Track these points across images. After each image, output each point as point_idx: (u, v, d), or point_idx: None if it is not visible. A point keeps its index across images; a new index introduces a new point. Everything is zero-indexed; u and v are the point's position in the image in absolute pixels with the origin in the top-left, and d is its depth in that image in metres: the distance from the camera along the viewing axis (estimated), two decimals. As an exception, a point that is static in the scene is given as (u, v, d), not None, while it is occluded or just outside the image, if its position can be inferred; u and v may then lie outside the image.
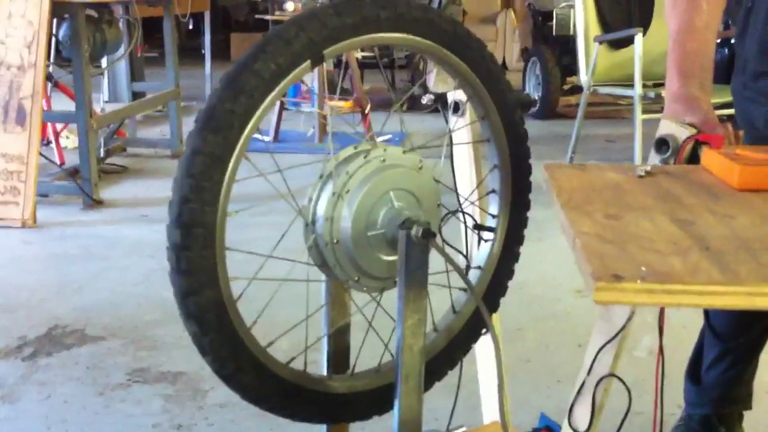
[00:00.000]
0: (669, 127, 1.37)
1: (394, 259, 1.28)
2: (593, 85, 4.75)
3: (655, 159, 1.38)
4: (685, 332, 2.43)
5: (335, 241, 1.26)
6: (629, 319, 1.38)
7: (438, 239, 1.29)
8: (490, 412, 1.74)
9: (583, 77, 4.79)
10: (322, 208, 1.27)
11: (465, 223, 1.66)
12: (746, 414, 1.88)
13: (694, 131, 1.32)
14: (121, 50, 4.86)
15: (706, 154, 1.25)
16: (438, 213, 1.37)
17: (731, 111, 1.73)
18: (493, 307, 1.53)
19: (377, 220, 1.28)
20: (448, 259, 1.25)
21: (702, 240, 0.89)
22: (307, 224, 1.29)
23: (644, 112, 4.25)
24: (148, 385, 2.20)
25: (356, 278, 1.30)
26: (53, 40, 4.25)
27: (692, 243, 0.88)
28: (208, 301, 1.16)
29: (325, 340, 1.40)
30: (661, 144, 1.37)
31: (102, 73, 5.68)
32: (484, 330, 1.51)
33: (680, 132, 1.34)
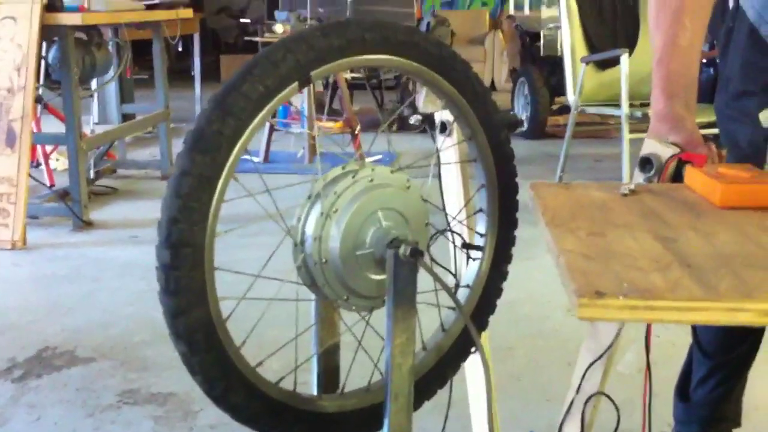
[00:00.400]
0: (653, 146, 1.39)
1: (382, 278, 1.30)
2: (581, 105, 4.79)
3: (639, 178, 1.40)
4: (674, 349, 2.44)
5: (324, 260, 1.27)
6: (617, 337, 1.39)
7: (426, 258, 1.30)
8: (481, 431, 1.75)
9: (571, 97, 4.84)
10: (310, 228, 1.28)
11: (453, 242, 1.68)
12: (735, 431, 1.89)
13: (677, 150, 1.34)
14: (111, 72, 4.88)
15: (689, 173, 1.27)
16: (426, 232, 1.38)
17: (715, 130, 1.75)
18: (482, 325, 1.54)
19: (366, 239, 1.29)
20: (436, 278, 1.27)
21: (684, 257, 0.91)
22: (295, 244, 1.31)
23: (631, 131, 4.29)
24: (139, 407, 2.20)
25: (345, 297, 1.31)
26: (43, 62, 4.26)
27: (674, 260, 0.90)
28: (197, 321, 1.17)
29: (314, 360, 1.40)
30: (645, 163, 1.39)
31: (92, 96, 5.69)
32: (473, 349, 1.52)
33: (664, 151, 1.36)
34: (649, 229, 1.03)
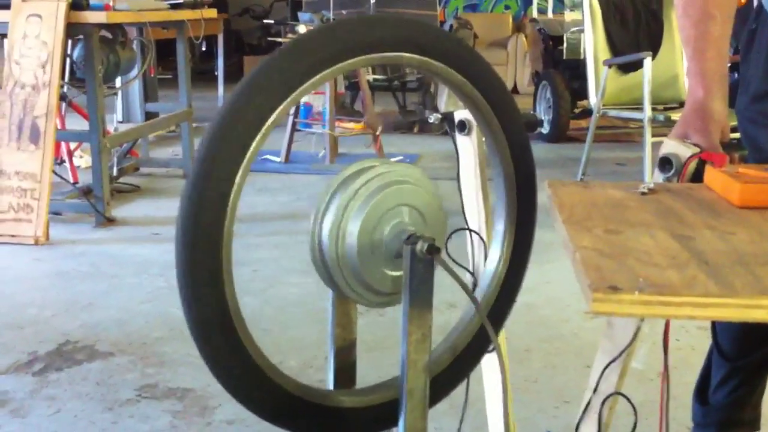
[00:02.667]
0: (672, 146, 1.38)
1: (399, 275, 1.30)
2: (603, 108, 4.77)
3: (659, 178, 1.40)
4: (694, 353, 2.42)
5: (341, 257, 1.27)
6: (634, 337, 1.38)
7: (444, 256, 1.30)
8: (496, 429, 1.74)
9: (593, 100, 4.82)
10: (328, 225, 1.29)
11: (471, 240, 1.68)
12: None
13: (697, 150, 1.34)
14: (135, 71, 4.92)
15: (709, 173, 1.27)
16: (444, 230, 1.38)
17: (736, 134, 1.74)
18: (499, 324, 1.54)
19: (383, 236, 1.29)
20: (453, 275, 1.27)
21: (700, 255, 0.91)
22: (313, 240, 1.31)
23: (654, 135, 4.27)
24: (157, 401, 2.21)
25: (362, 294, 1.32)
26: (67, 60, 4.31)
27: (690, 257, 0.89)
28: (216, 316, 1.18)
29: (331, 356, 1.41)
30: (665, 163, 1.38)
31: (115, 94, 5.74)
32: (490, 347, 1.52)
33: (683, 151, 1.36)
34: (667, 227, 1.03)
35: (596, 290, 0.78)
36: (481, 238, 1.68)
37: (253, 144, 1.20)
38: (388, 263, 1.30)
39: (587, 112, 6.02)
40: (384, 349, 2.27)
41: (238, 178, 1.17)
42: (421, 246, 1.24)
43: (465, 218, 1.72)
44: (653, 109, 4.36)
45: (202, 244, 1.15)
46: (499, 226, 1.54)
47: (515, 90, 9.74)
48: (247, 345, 1.23)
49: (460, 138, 1.70)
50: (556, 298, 3.05)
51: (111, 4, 4.05)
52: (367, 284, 1.30)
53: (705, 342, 1.94)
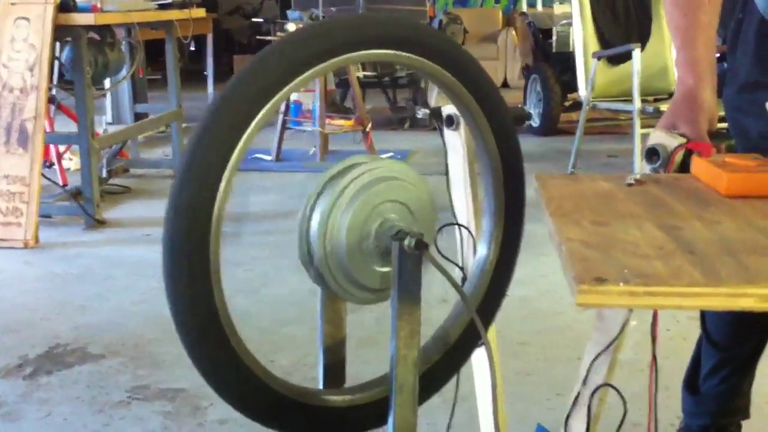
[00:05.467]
0: (659, 137, 1.38)
1: (388, 271, 1.29)
2: (593, 101, 4.77)
3: (646, 169, 1.39)
4: (685, 344, 2.42)
5: (329, 254, 1.27)
6: (623, 329, 1.38)
7: (433, 251, 1.29)
8: (487, 425, 1.74)
9: (583, 92, 4.82)
10: (315, 223, 1.28)
11: (461, 235, 1.67)
12: (744, 424, 1.87)
13: (683, 140, 1.33)
14: (124, 72, 4.90)
15: (696, 163, 1.26)
16: (433, 225, 1.37)
17: (724, 124, 1.73)
18: (489, 319, 1.54)
19: (371, 232, 1.29)
20: (442, 270, 1.26)
21: (687, 245, 0.90)
22: (301, 238, 1.30)
23: (643, 126, 4.27)
24: (148, 403, 2.20)
25: (351, 291, 1.31)
26: (56, 62, 4.29)
27: (677, 247, 0.89)
28: (204, 318, 1.17)
29: (320, 354, 1.40)
30: (652, 154, 1.38)
31: (104, 95, 5.72)
32: (480, 342, 1.51)
33: (670, 141, 1.35)
34: (654, 218, 1.02)
35: (582, 282, 0.77)
36: (470, 233, 1.68)
37: (241, 143, 1.18)
38: (376, 260, 1.30)
39: (578, 105, 6.01)
40: (374, 345, 2.27)
41: (225, 178, 1.17)
42: (409, 242, 1.23)
43: (453, 213, 1.72)
44: (643, 101, 4.37)
45: (189, 246, 1.15)
46: (488, 220, 1.53)
47: (506, 84, 9.74)
48: (237, 347, 1.22)
49: (448, 133, 1.70)
50: (550, 291, 3.05)
51: (98, 5, 4.03)
52: (356, 281, 1.29)
53: (695, 331, 1.94)
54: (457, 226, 1.68)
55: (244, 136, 1.17)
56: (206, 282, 1.16)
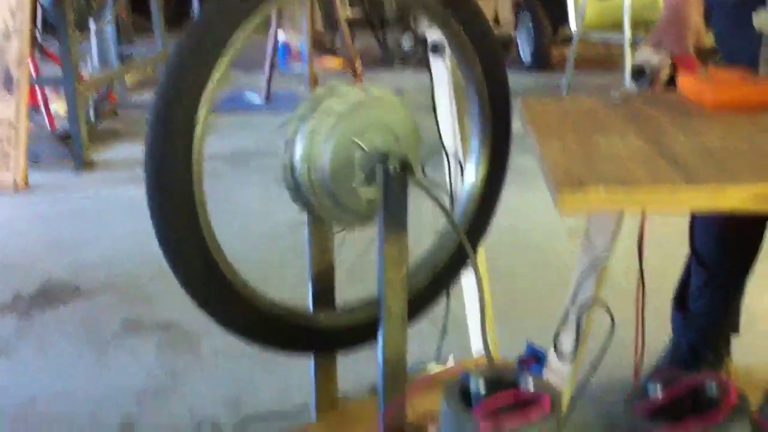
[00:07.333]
0: (645, 54, 1.37)
1: (374, 196, 1.29)
2: (584, 32, 4.73)
3: (633, 88, 1.39)
4: (674, 269, 2.44)
5: (314, 179, 1.27)
6: (611, 246, 1.39)
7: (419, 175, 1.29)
8: (478, 345, 1.76)
9: (572, 24, 4.77)
10: (300, 147, 1.27)
11: (448, 161, 1.67)
12: (734, 340, 1.89)
13: (669, 57, 1.32)
14: (108, 15, 4.82)
15: (681, 78, 1.26)
16: (418, 151, 1.37)
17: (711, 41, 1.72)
18: (476, 242, 1.54)
19: (356, 156, 1.28)
20: (427, 191, 1.26)
21: (670, 154, 0.90)
22: (285, 165, 1.30)
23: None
24: (142, 337, 2.22)
25: (337, 216, 1.31)
26: (38, 8, 4.21)
27: (660, 156, 0.89)
28: (188, 233, 1.18)
29: (309, 279, 1.41)
30: (638, 72, 1.37)
31: (87, 38, 5.63)
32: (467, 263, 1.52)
33: (656, 59, 1.34)
34: (638, 132, 1.02)
35: (563, 187, 0.77)
36: (458, 160, 1.67)
37: (220, 65, 1.18)
38: (362, 184, 1.30)
39: (570, 40, 5.96)
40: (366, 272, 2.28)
41: (204, 98, 1.16)
42: (394, 165, 1.23)
43: (441, 141, 1.71)
44: (634, 31, 4.33)
45: (173, 157, 1.14)
46: (475, 146, 1.53)
47: (497, 21, 9.60)
48: (222, 264, 1.23)
49: (433, 59, 1.68)
50: (542, 224, 3.06)
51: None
52: (342, 204, 1.29)
53: (682, 256, 1.95)
54: (444, 154, 1.67)
55: (227, 53, 1.16)
56: (190, 198, 1.16)
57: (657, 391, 0.98)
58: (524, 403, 1.01)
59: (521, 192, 2.76)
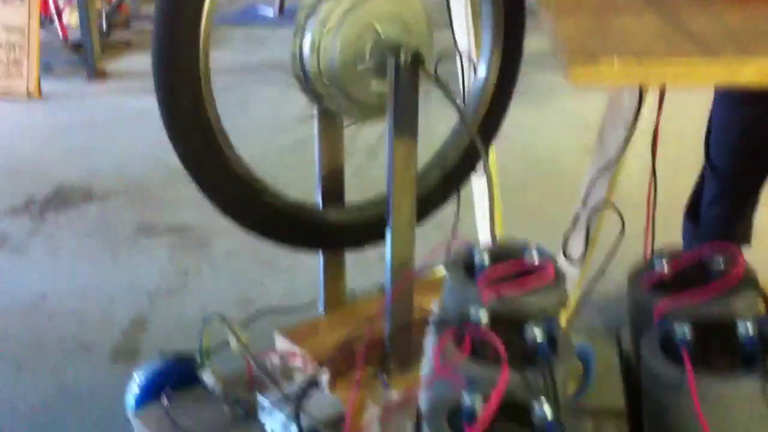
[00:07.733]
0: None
1: (385, 89, 1.27)
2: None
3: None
4: (687, 180, 2.41)
5: (324, 68, 1.24)
6: (623, 148, 1.37)
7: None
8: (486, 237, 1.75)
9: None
10: (309, 36, 1.25)
11: (460, 58, 1.64)
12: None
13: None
14: None
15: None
16: (430, 46, 1.33)
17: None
18: (488, 140, 1.52)
19: (366, 47, 1.26)
20: (438, 84, 1.23)
21: (689, 32, 0.87)
22: (294, 53, 1.28)
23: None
24: (155, 238, 2.24)
25: (347, 107, 1.29)
26: None
27: (677, 32, 0.86)
28: (195, 120, 1.17)
29: (318, 175, 1.40)
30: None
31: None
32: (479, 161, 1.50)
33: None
34: (657, 12, 0.98)
35: (575, 58, 0.75)
36: (470, 58, 1.64)
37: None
38: (372, 76, 1.27)
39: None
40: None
41: None
42: (405, 56, 1.21)
43: (454, 39, 1.68)
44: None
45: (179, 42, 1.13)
46: (487, 42, 1.50)
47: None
48: (230, 155, 1.23)
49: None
50: (553, 139, 3.02)
51: None
52: (351, 95, 1.27)
53: (697, 160, 1.91)
54: (456, 51, 1.64)
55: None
56: (197, 85, 1.15)
57: (663, 265, 0.96)
58: (529, 273, 0.99)
59: (536, 107, 2.72)
